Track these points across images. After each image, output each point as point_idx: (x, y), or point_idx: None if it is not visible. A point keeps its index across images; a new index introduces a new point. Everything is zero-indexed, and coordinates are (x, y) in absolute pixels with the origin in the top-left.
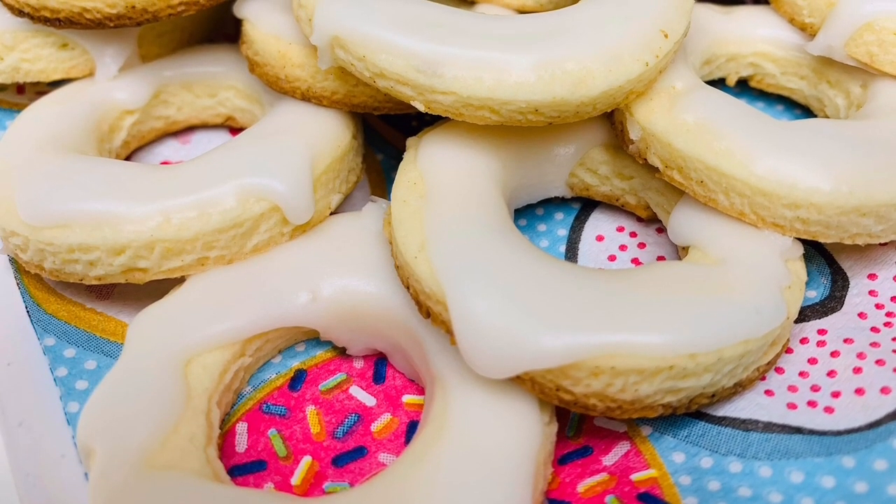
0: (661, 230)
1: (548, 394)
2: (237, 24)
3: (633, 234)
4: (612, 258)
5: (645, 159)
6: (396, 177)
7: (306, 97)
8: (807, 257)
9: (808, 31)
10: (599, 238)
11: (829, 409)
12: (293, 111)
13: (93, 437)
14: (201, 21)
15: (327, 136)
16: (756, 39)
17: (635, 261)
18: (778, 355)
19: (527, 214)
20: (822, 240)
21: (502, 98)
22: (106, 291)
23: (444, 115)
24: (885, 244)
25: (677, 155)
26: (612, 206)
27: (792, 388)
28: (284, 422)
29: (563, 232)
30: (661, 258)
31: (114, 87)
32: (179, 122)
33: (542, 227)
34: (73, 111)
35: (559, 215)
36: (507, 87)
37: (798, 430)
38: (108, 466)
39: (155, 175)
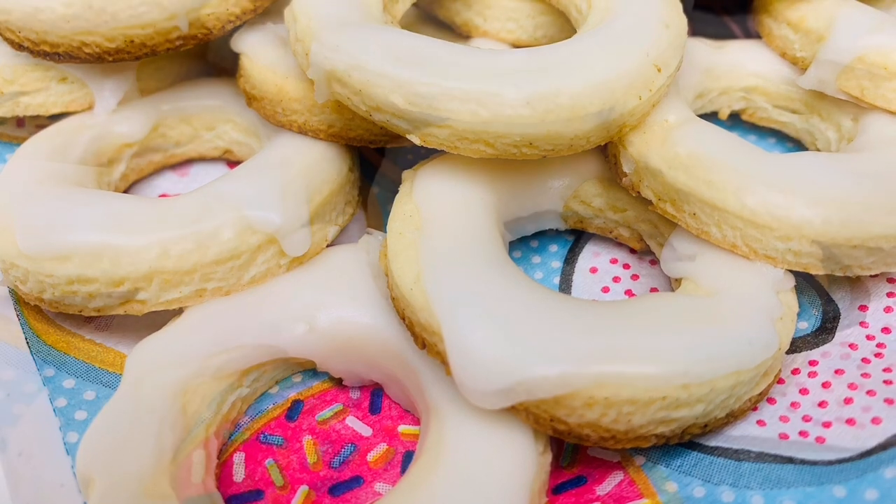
0: (655, 262)
1: (542, 424)
2: (235, 57)
3: (626, 266)
4: (605, 290)
5: (638, 192)
6: (392, 209)
7: (303, 130)
8: (798, 289)
9: (800, 65)
10: (593, 270)
11: (820, 439)
12: (290, 144)
13: (92, 467)
14: (199, 55)
15: (324, 168)
16: (748, 73)
17: (629, 292)
18: (770, 386)
19: (521, 246)
20: (813, 272)
21: (497, 131)
22: (105, 323)
23: (439, 148)
24: (876, 276)
25: (670, 188)
26: (606, 238)
27: (783, 419)
28: (282, 452)
29: (557, 264)
30: (654, 290)
31: (113, 120)
32: (178, 155)
33: (536, 259)
34: (73, 144)
35: (553, 247)
36: (503, 120)
37: (790, 460)
38: (107, 495)
39: (153, 207)
